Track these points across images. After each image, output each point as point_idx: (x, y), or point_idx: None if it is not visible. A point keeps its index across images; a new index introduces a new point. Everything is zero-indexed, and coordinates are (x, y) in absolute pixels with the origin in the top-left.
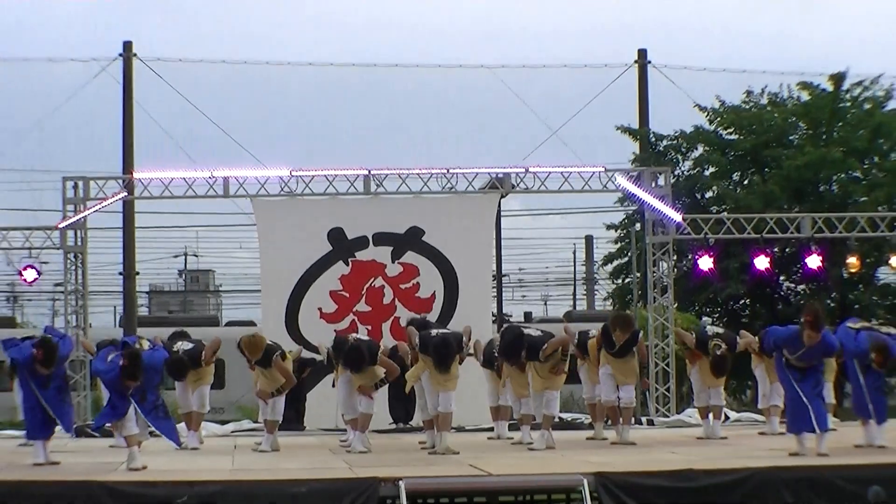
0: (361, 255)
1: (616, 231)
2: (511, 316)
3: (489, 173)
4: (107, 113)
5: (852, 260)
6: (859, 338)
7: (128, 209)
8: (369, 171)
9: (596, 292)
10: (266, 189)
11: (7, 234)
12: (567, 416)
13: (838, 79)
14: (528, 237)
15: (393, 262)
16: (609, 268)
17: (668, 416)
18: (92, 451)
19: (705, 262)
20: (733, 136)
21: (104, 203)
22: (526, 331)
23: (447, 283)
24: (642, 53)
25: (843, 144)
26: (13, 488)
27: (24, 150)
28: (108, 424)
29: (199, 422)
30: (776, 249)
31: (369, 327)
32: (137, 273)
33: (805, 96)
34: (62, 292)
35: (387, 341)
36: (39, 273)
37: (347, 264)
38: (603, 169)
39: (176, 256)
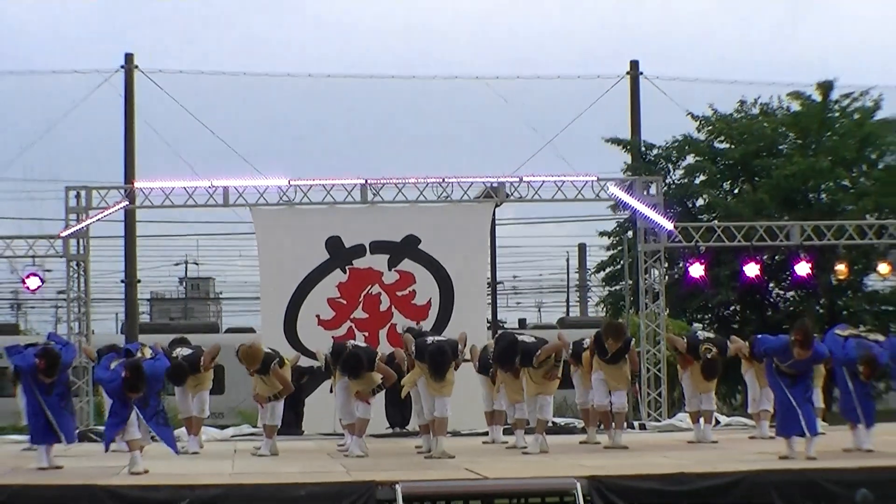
0: (359, 263)
1: (609, 238)
2: (505, 322)
3: (484, 182)
4: (109, 124)
5: (841, 267)
6: (847, 345)
7: (129, 218)
8: (366, 181)
9: (589, 299)
10: (265, 198)
11: (11, 242)
12: (560, 420)
13: (826, 87)
14: (523, 245)
15: (389, 269)
16: (601, 275)
17: (659, 421)
18: (94, 455)
19: (696, 270)
20: (724, 146)
21: (106, 212)
22: (520, 337)
23: (443, 290)
24: (634, 65)
25: (831, 154)
26: (17, 492)
27: (28, 160)
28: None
29: (199, 426)
30: (766, 257)
31: (366, 334)
32: (139, 281)
33: (795, 106)
34: (65, 300)
35: (384, 348)
36: (43, 281)
37: (345, 272)
38: (595, 178)
39: (177, 264)
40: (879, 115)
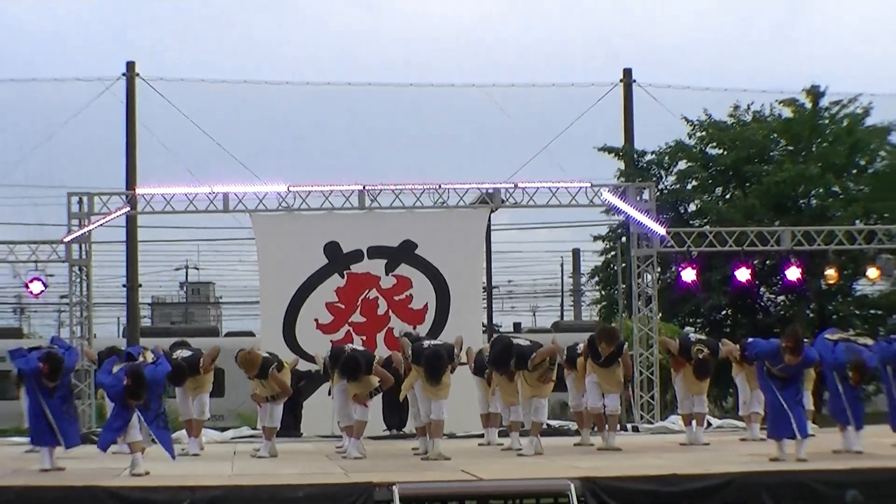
0: (356, 268)
1: (602, 242)
2: (501, 326)
3: (479, 189)
4: (110, 130)
5: (830, 272)
6: (837, 350)
7: (131, 224)
8: (364, 187)
9: (582, 303)
10: (264, 204)
11: (14, 247)
12: (555, 422)
13: (815, 94)
14: (517, 250)
15: (387, 274)
16: (596, 279)
17: (652, 423)
18: (96, 457)
19: (688, 274)
20: (717, 151)
21: (108, 218)
22: (515, 341)
23: (439, 294)
24: (627, 73)
25: (821, 160)
26: (20, 493)
27: (31, 167)
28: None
29: (199, 429)
30: (757, 262)
31: (364, 337)
32: (140, 285)
33: (787, 112)
34: (67, 304)
35: (381, 351)
36: (45, 285)
37: (343, 277)
38: (589, 184)
39: (177, 269)
40: (868, 122)
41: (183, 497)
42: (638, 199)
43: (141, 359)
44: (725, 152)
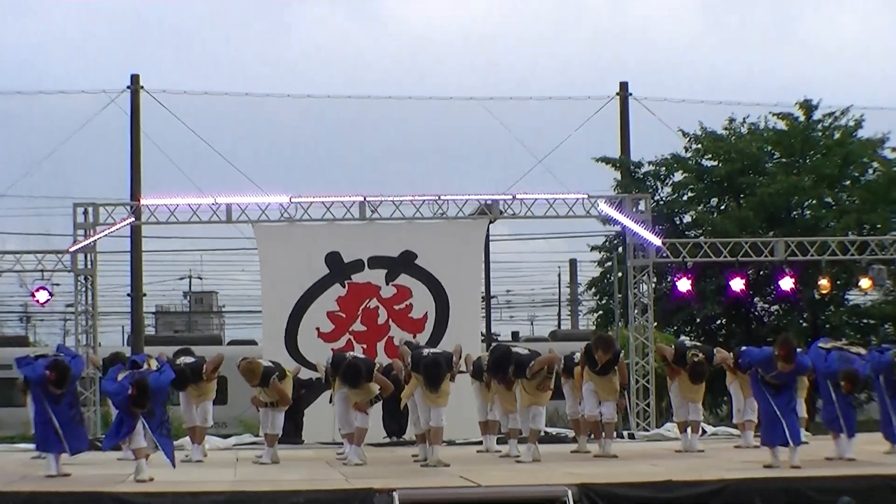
0: (357, 278)
1: (599, 252)
2: (499, 335)
3: (478, 200)
4: (115, 142)
5: (823, 282)
6: (830, 358)
7: (135, 234)
8: (365, 198)
9: (580, 313)
10: (267, 215)
11: (21, 257)
12: (552, 430)
13: (808, 107)
14: (516, 260)
15: (387, 284)
16: (593, 290)
17: (648, 431)
18: (101, 463)
19: (684, 284)
20: (711, 163)
21: (113, 228)
22: (514, 349)
23: (438, 304)
24: (624, 86)
25: (814, 172)
26: (26, 499)
27: (37, 178)
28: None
29: (202, 435)
30: (751, 272)
31: (364, 346)
32: (144, 294)
33: (781, 125)
34: (73, 313)
35: (381, 359)
36: (51, 294)
37: (344, 286)
38: (586, 196)
39: (181, 279)
40: (860, 134)
41: (186, 502)
42: (634, 210)
43: (145, 366)
44: (720, 164)
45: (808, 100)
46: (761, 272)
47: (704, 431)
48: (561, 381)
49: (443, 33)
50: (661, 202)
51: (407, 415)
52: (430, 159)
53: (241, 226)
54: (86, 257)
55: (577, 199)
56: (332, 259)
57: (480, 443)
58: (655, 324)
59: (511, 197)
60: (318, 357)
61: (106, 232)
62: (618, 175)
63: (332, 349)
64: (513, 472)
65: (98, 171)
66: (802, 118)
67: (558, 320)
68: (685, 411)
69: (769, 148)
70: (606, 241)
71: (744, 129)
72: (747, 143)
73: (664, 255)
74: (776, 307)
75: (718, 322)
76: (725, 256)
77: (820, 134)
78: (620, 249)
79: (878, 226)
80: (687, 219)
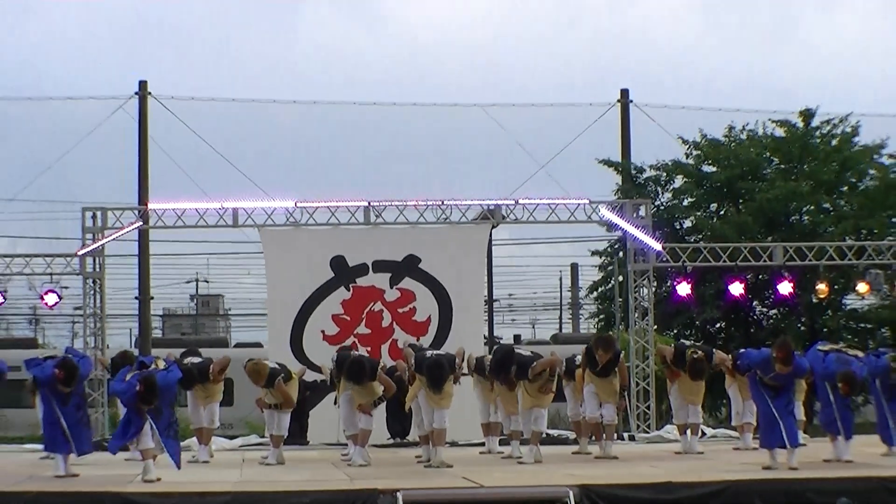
0: (362, 282)
1: (600, 257)
2: (501, 338)
3: (481, 205)
4: (123, 147)
5: (821, 286)
6: (827, 360)
7: (143, 238)
8: (369, 203)
9: (581, 316)
10: (272, 219)
11: (30, 260)
12: (554, 432)
13: (807, 115)
14: (518, 265)
15: (391, 287)
16: (594, 294)
17: (648, 433)
18: (109, 464)
19: (683, 289)
20: (711, 169)
21: (121, 232)
22: (516, 351)
23: (442, 307)
24: (624, 93)
25: (812, 178)
26: (33, 499)
27: (46, 183)
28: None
29: (209, 437)
30: (750, 276)
31: (369, 348)
32: (152, 297)
33: (779, 131)
34: (81, 315)
35: (385, 362)
36: (60, 297)
37: (349, 290)
38: (587, 201)
39: (188, 282)
40: (856, 141)
41: (193, 503)
42: (635, 215)
43: (153, 367)
44: (720, 170)
45: (808, 108)
46: (760, 277)
47: (704, 433)
48: (562, 383)
49: (447, 40)
50: (662, 207)
51: (410, 417)
52: (433, 164)
53: (248, 230)
54: (94, 261)
55: (579, 204)
56: (337, 263)
57: (483, 444)
58: (655, 327)
59: (513, 202)
60: (323, 359)
61: (114, 236)
62: (619, 179)
63: (336, 350)
64: (515, 473)
65: (106, 175)
66: (801, 125)
67: (560, 324)
68: (685, 414)
69: (768, 154)
70: (609, 246)
71: (743, 136)
72: (746, 150)
73: (664, 259)
74: (775, 311)
75: (717, 326)
76: (725, 261)
77: (818, 141)
78: (621, 254)
79: (876, 231)
80: (687, 224)
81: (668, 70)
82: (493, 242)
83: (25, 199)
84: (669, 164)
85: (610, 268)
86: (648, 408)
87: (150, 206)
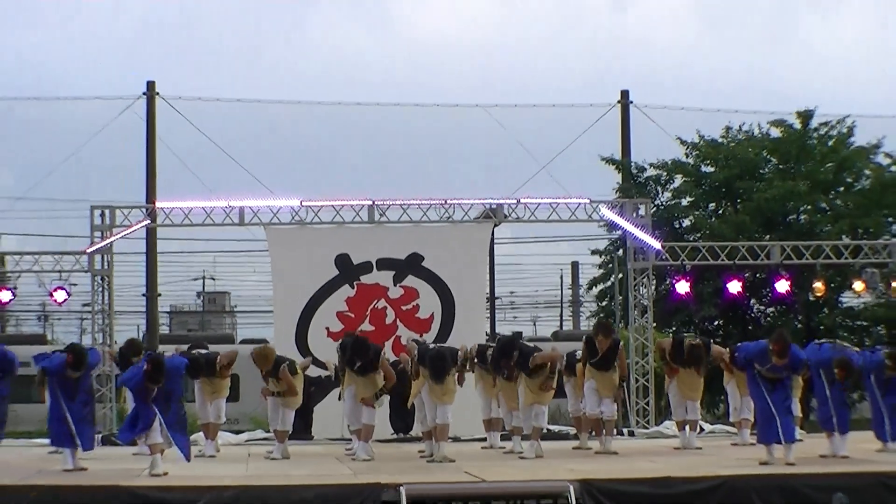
0: (366, 279)
1: (601, 256)
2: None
3: (483, 204)
4: (131, 147)
5: (818, 285)
6: (823, 348)
7: (150, 236)
8: (373, 202)
9: (581, 314)
10: (278, 218)
11: (39, 258)
12: (554, 427)
13: (806, 116)
14: (519, 263)
15: (395, 285)
16: (594, 291)
17: (647, 428)
18: (117, 458)
19: (682, 287)
20: (709, 169)
21: (129, 230)
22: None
23: (444, 304)
24: (625, 94)
25: (809, 178)
26: (43, 493)
27: (55, 181)
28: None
29: (215, 432)
30: (747, 275)
31: None
32: (159, 294)
33: (776, 132)
34: (90, 312)
35: (389, 357)
36: (69, 294)
37: (353, 287)
38: (588, 200)
39: (195, 279)
40: (852, 141)
41: (199, 496)
42: (635, 214)
43: None
44: (718, 170)
45: (807, 109)
46: (757, 275)
47: (702, 429)
48: (563, 379)
49: (450, 42)
50: (661, 207)
51: (413, 413)
52: (436, 164)
53: (254, 228)
54: (102, 258)
55: (580, 203)
56: (342, 261)
57: (485, 439)
58: (655, 325)
59: (515, 201)
60: (328, 356)
61: (122, 234)
62: (620, 179)
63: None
64: (516, 468)
65: (114, 174)
66: (799, 126)
67: (560, 321)
68: (683, 411)
69: (766, 154)
70: (609, 243)
71: (740, 137)
72: (744, 150)
73: (663, 258)
74: (772, 309)
75: (716, 323)
76: (723, 260)
77: (816, 142)
78: (621, 252)
79: (872, 230)
80: (686, 223)
81: (668, 71)
82: (495, 241)
83: (35, 197)
84: (669, 163)
85: (610, 265)
86: (648, 404)
87: (158, 204)
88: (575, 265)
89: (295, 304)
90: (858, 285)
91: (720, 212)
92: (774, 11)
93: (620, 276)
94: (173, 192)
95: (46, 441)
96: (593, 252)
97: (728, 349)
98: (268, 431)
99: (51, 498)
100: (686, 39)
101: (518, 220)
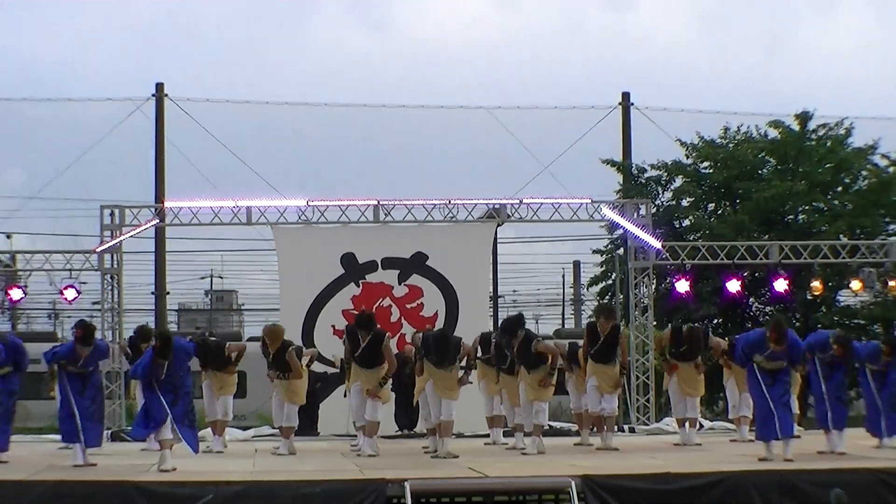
0: (371, 278)
1: (602, 256)
2: None
3: (487, 204)
4: (140, 147)
5: (816, 284)
6: (820, 332)
7: (159, 235)
8: (378, 202)
9: (583, 312)
10: (285, 217)
11: (50, 257)
12: (556, 424)
13: (804, 118)
14: (522, 262)
15: (399, 283)
16: (595, 289)
17: (647, 425)
18: (127, 454)
19: (682, 286)
20: (709, 170)
21: (138, 229)
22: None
23: (448, 303)
24: (626, 96)
25: (808, 178)
26: (53, 487)
27: (66, 182)
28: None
29: (223, 428)
30: (746, 274)
31: None
32: (168, 293)
33: (774, 134)
34: (99, 310)
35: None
36: (79, 292)
37: (358, 286)
38: (590, 200)
39: (203, 278)
40: (850, 142)
41: (207, 492)
42: (635, 215)
43: None
44: (717, 170)
45: (805, 111)
46: (756, 274)
47: (702, 426)
48: (565, 377)
49: (454, 44)
50: (661, 207)
51: (418, 410)
52: (440, 165)
53: (261, 227)
54: (112, 257)
55: (581, 203)
56: (347, 260)
57: (488, 436)
58: (655, 323)
59: (518, 201)
60: (334, 353)
61: (131, 233)
62: (621, 179)
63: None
64: (518, 464)
65: (123, 174)
66: (798, 128)
67: (562, 319)
68: (683, 408)
69: (764, 155)
70: (610, 244)
71: (739, 138)
72: (743, 151)
73: (664, 257)
74: (770, 308)
75: (715, 322)
76: (722, 259)
77: (814, 143)
78: (622, 252)
79: (869, 230)
80: (686, 223)
81: (669, 74)
82: (498, 240)
83: (46, 196)
84: (669, 164)
85: (611, 265)
86: (648, 401)
87: (167, 204)
88: (576, 264)
89: (301, 303)
90: (856, 284)
91: (720, 212)
92: (774, 15)
93: (621, 275)
94: (182, 192)
95: (57, 437)
96: (594, 252)
97: (727, 339)
98: (274, 428)
99: (60, 493)
100: (686, 40)
101: (521, 220)
